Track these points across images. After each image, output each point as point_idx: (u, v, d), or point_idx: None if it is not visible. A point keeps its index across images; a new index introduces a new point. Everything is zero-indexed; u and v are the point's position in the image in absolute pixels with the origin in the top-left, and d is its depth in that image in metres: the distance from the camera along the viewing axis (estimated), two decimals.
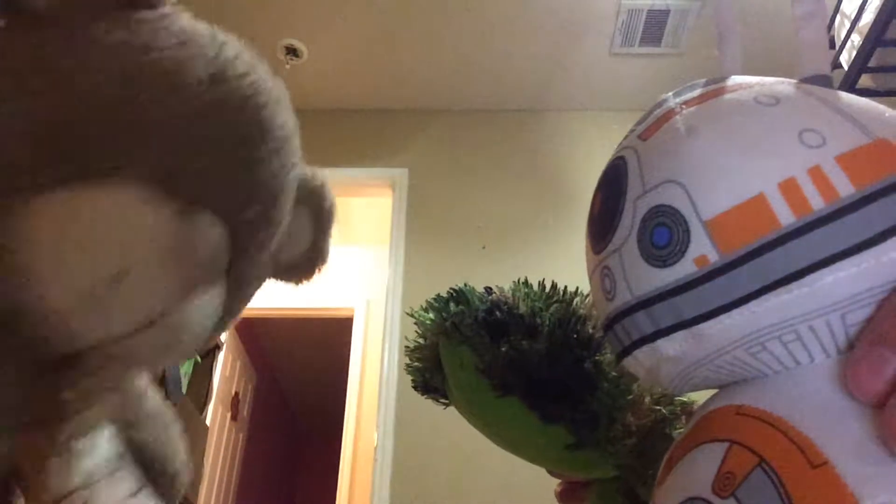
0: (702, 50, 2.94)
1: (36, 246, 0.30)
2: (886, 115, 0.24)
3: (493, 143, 3.26)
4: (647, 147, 0.27)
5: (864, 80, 1.72)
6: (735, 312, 0.23)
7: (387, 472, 2.54)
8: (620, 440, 0.41)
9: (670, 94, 0.29)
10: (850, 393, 0.21)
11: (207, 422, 2.04)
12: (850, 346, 0.22)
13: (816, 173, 0.22)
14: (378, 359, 3.03)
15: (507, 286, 0.47)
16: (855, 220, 0.21)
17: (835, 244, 0.21)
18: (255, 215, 0.37)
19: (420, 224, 3.06)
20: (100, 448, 0.33)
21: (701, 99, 0.27)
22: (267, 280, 0.44)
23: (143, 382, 0.44)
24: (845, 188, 0.21)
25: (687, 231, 0.23)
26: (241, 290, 0.39)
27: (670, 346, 0.25)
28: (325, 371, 5.52)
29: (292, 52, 3.00)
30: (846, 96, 0.25)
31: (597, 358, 0.42)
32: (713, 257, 0.23)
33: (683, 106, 0.27)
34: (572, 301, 0.45)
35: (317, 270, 0.52)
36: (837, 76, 1.72)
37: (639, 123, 0.29)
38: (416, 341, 0.49)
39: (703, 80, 0.29)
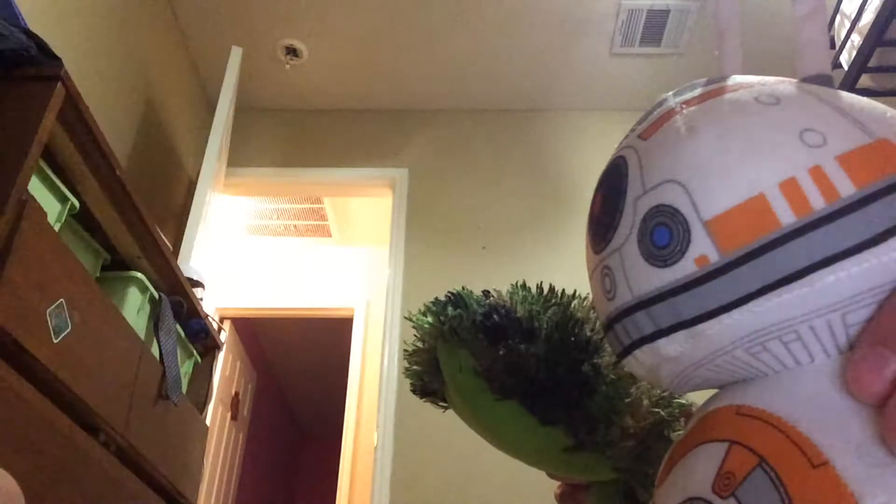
0: (702, 50, 2.94)
1: None
2: (888, 114, 0.24)
3: (493, 143, 3.26)
4: (648, 146, 0.26)
5: (864, 80, 1.72)
6: (735, 312, 0.22)
7: (387, 472, 2.54)
8: (619, 443, 0.41)
9: (670, 93, 0.29)
10: (850, 393, 0.21)
11: (207, 422, 2.03)
12: (851, 346, 0.22)
13: (817, 173, 0.22)
14: (378, 359, 3.03)
15: (504, 289, 0.47)
16: (856, 219, 0.21)
17: (836, 244, 0.21)
18: None
19: (420, 224, 3.06)
20: None
21: (701, 98, 0.27)
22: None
23: None
24: (846, 188, 0.21)
25: (687, 231, 0.23)
26: None
27: (670, 346, 0.25)
28: (325, 371, 5.52)
29: (292, 52, 2.99)
30: (847, 96, 0.25)
31: (595, 361, 0.42)
32: (713, 257, 0.23)
33: (683, 105, 0.27)
34: (570, 304, 0.45)
35: None
36: (837, 76, 1.72)
37: (639, 123, 0.29)
38: (414, 345, 0.49)
39: (704, 80, 0.29)
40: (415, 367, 0.49)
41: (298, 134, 3.28)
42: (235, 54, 2.78)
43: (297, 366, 5.67)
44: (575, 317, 0.43)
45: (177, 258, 2.13)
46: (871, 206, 0.21)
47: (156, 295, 1.62)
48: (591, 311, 0.44)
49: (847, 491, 0.19)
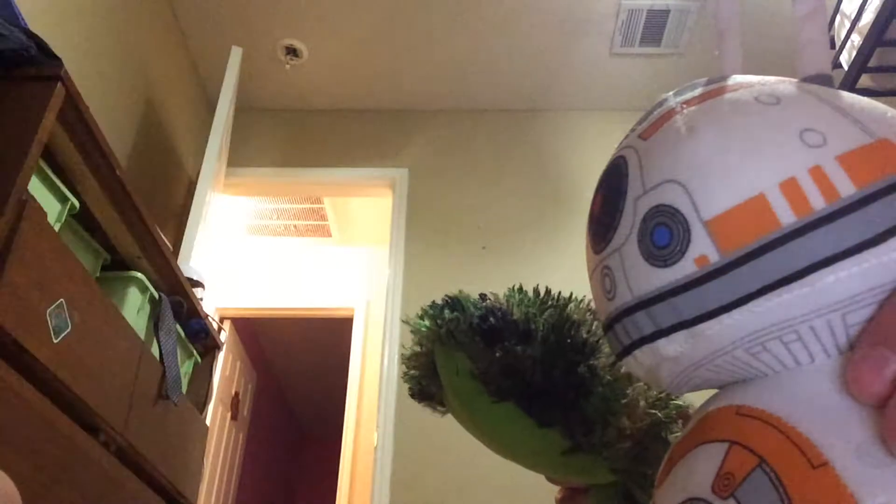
0: (702, 50, 2.94)
1: None
2: (888, 114, 0.24)
3: (493, 143, 3.26)
4: (648, 146, 0.26)
5: (864, 80, 1.72)
6: (735, 312, 0.22)
7: (387, 472, 2.53)
8: (615, 444, 0.41)
9: (671, 93, 0.29)
10: (850, 393, 0.21)
11: (207, 422, 2.03)
12: (851, 346, 0.22)
13: (817, 173, 0.22)
14: (378, 359, 3.02)
15: (501, 292, 0.47)
16: (856, 219, 0.21)
17: (836, 243, 0.21)
18: None
19: (420, 224, 3.06)
20: None
21: (701, 98, 0.26)
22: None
23: None
24: (847, 188, 0.21)
25: (687, 231, 0.23)
26: None
27: (670, 346, 0.25)
28: (325, 371, 5.51)
29: (292, 52, 2.99)
30: (847, 96, 0.25)
31: (591, 362, 0.42)
32: (714, 257, 0.23)
33: (684, 105, 0.27)
34: (566, 306, 0.45)
35: None
36: (837, 76, 1.72)
37: (639, 123, 0.29)
38: (411, 349, 0.49)
39: (704, 80, 0.29)
40: (412, 372, 0.49)
41: (298, 134, 3.28)
42: (235, 54, 2.78)
43: (297, 366, 5.66)
44: (571, 319, 0.43)
45: (177, 258, 2.13)
46: (870, 206, 0.21)
47: (156, 295, 1.62)
48: (588, 314, 0.45)
49: (847, 492, 0.18)
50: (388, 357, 2.77)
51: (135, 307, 1.52)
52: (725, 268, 0.22)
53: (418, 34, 2.95)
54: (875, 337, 0.21)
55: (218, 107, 2.66)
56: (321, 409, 6.17)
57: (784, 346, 0.23)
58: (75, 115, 1.20)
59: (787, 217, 0.22)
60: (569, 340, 0.42)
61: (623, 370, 0.42)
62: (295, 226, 4.12)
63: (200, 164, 2.58)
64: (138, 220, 1.48)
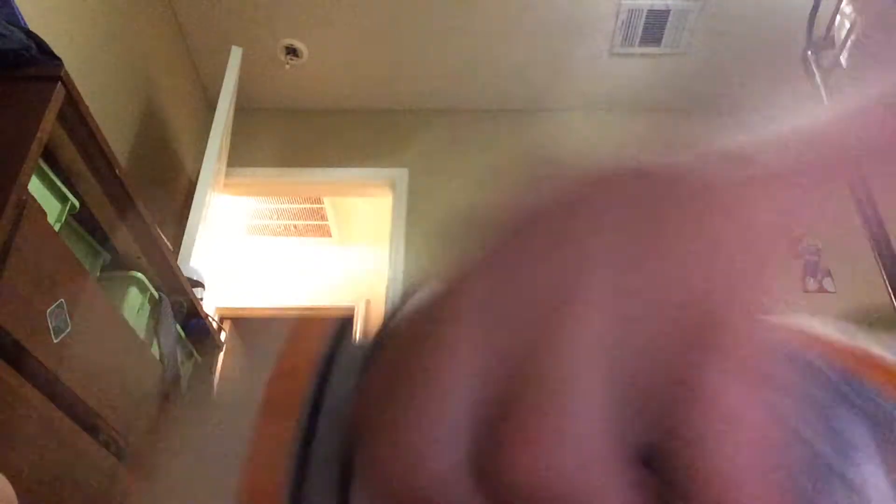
0: (702, 50, 2.94)
1: None
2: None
3: (493, 143, 3.26)
4: None
5: None
6: None
7: None
8: None
9: None
10: None
11: None
12: None
13: None
14: None
15: None
16: None
17: None
18: None
19: (420, 224, 3.06)
20: None
21: None
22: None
23: None
24: None
25: None
26: None
27: None
28: None
29: (292, 52, 2.99)
30: None
31: None
32: None
33: None
34: None
35: None
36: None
37: None
38: None
39: None
40: None
41: (298, 134, 3.28)
42: (235, 54, 2.78)
43: None
44: None
45: (177, 258, 2.13)
46: None
47: (156, 295, 1.62)
48: None
49: None
50: None
51: (135, 307, 1.52)
52: None
53: (418, 34, 2.95)
54: None
55: (218, 107, 2.66)
56: None
57: None
58: (75, 115, 1.20)
59: None
60: None
61: None
62: (295, 226, 4.12)
63: (200, 164, 2.58)
64: (138, 220, 1.48)
